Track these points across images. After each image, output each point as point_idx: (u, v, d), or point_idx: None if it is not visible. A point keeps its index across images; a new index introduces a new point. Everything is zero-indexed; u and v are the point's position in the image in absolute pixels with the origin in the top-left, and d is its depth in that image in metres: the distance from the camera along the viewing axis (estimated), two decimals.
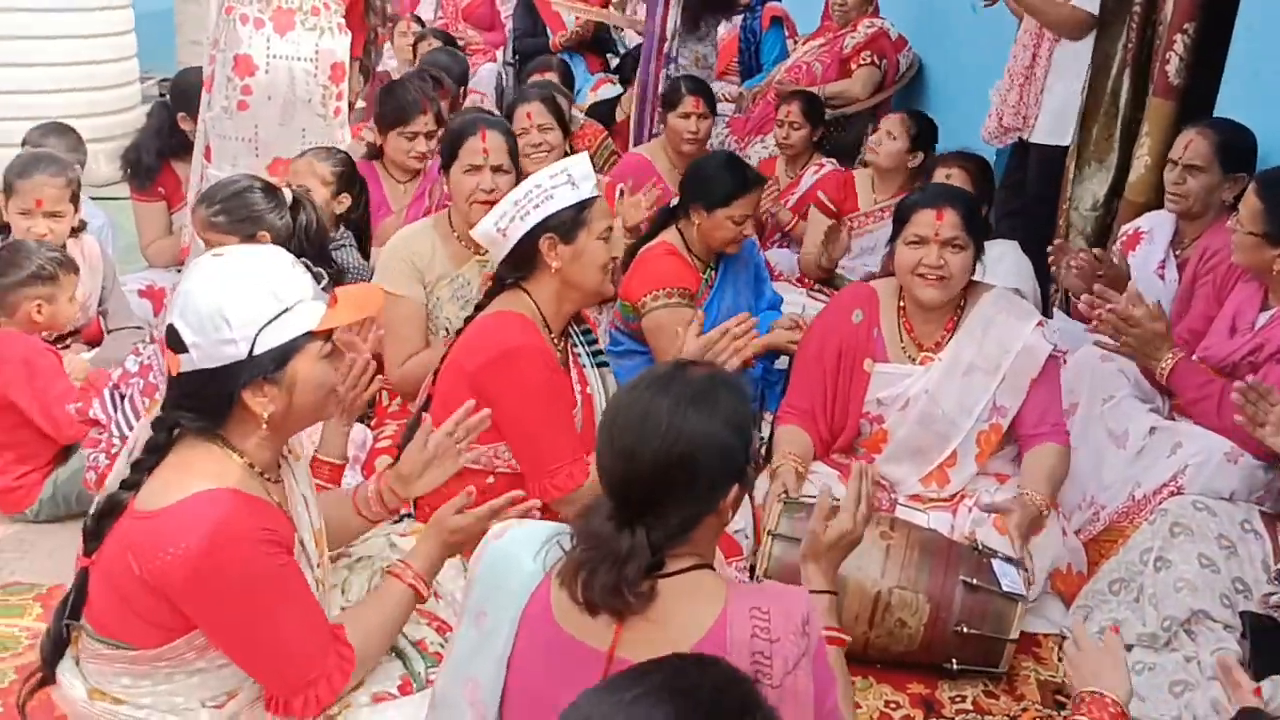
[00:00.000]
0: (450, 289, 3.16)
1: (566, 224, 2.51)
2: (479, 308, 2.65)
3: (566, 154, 4.02)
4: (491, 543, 1.71)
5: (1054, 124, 4.24)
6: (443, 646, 2.09)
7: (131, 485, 1.79)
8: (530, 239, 2.52)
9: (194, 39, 6.05)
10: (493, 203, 3.03)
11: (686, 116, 4.46)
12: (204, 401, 1.79)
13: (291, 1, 3.69)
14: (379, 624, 1.94)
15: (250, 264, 1.81)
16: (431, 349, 3.11)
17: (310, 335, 1.79)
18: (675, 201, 3.59)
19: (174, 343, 1.76)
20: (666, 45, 5.23)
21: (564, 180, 2.52)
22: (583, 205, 2.52)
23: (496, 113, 4.93)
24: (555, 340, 2.61)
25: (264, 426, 1.80)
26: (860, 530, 1.95)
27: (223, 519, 1.71)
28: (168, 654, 1.78)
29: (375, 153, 4.12)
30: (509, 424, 2.48)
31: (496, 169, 3.11)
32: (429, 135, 3.94)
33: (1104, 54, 4.32)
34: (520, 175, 3.06)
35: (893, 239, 2.94)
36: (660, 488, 1.54)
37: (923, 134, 4.41)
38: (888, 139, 4.42)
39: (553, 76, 5.12)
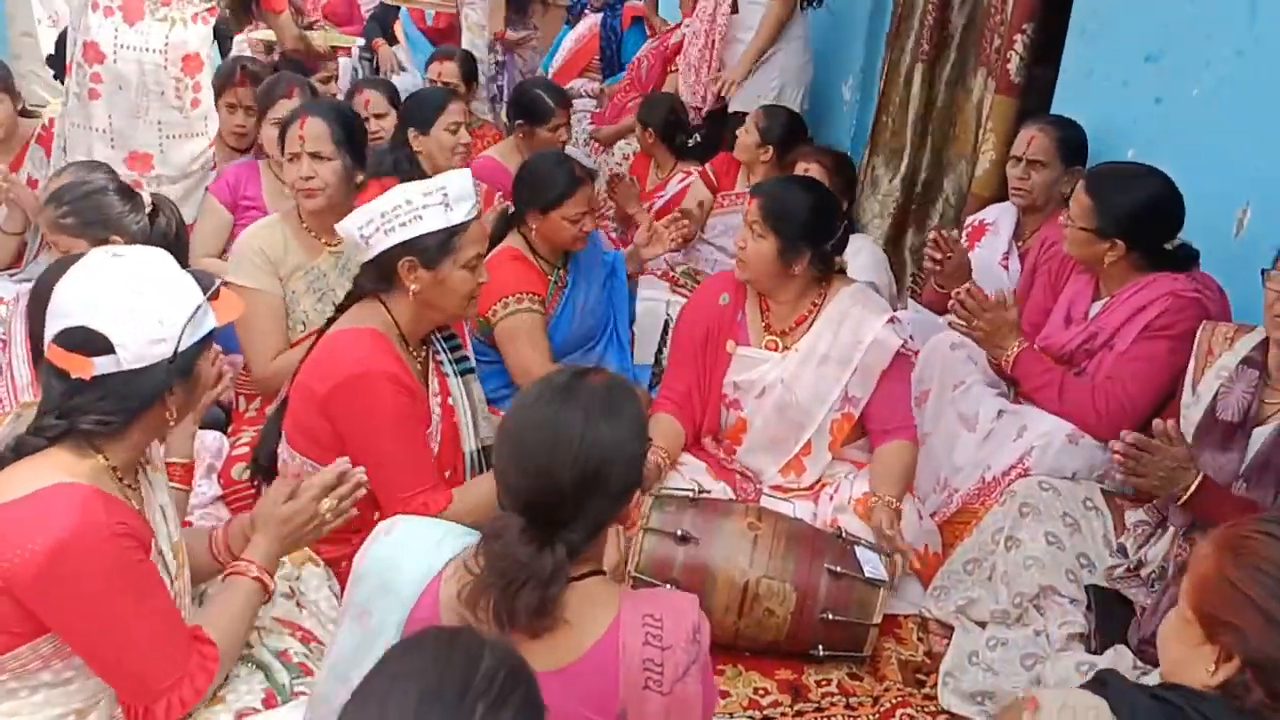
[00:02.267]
0: (305, 281, 3.09)
1: (431, 250, 2.39)
2: (339, 310, 2.57)
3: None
4: (379, 539, 1.69)
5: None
6: (308, 656, 2.05)
7: None
8: (391, 256, 2.40)
9: (25, 30, 5.73)
10: (312, 190, 3.02)
11: (556, 129, 4.45)
12: (124, 402, 1.74)
13: None
14: (233, 619, 1.91)
15: (150, 264, 1.80)
16: (298, 349, 3.02)
17: (208, 337, 1.82)
18: (511, 208, 3.53)
19: (86, 345, 1.70)
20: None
21: (438, 200, 2.38)
22: (453, 231, 2.40)
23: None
24: (414, 352, 2.54)
25: (172, 423, 1.83)
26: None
27: (78, 513, 1.65)
28: (10, 663, 1.69)
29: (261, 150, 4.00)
30: (358, 450, 2.34)
31: (315, 155, 3.03)
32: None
33: (895, 58, 4.60)
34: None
35: None
36: (576, 502, 1.55)
37: (773, 129, 4.43)
38: (743, 133, 4.49)
39: (453, 67, 4.98)
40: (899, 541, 2.73)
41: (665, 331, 3.76)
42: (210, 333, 1.83)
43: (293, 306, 3.09)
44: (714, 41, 5.01)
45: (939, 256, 3.36)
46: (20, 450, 1.74)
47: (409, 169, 3.74)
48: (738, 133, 4.57)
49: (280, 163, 3.51)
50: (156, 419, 1.81)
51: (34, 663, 1.71)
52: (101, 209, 2.73)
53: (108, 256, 1.80)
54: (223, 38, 4.13)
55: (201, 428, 3.02)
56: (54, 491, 1.67)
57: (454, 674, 1.14)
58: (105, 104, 3.59)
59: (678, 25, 5.83)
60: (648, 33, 6.52)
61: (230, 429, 3.16)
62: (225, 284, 2.94)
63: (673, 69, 5.61)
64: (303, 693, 1.94)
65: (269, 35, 4.74)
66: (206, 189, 3.77)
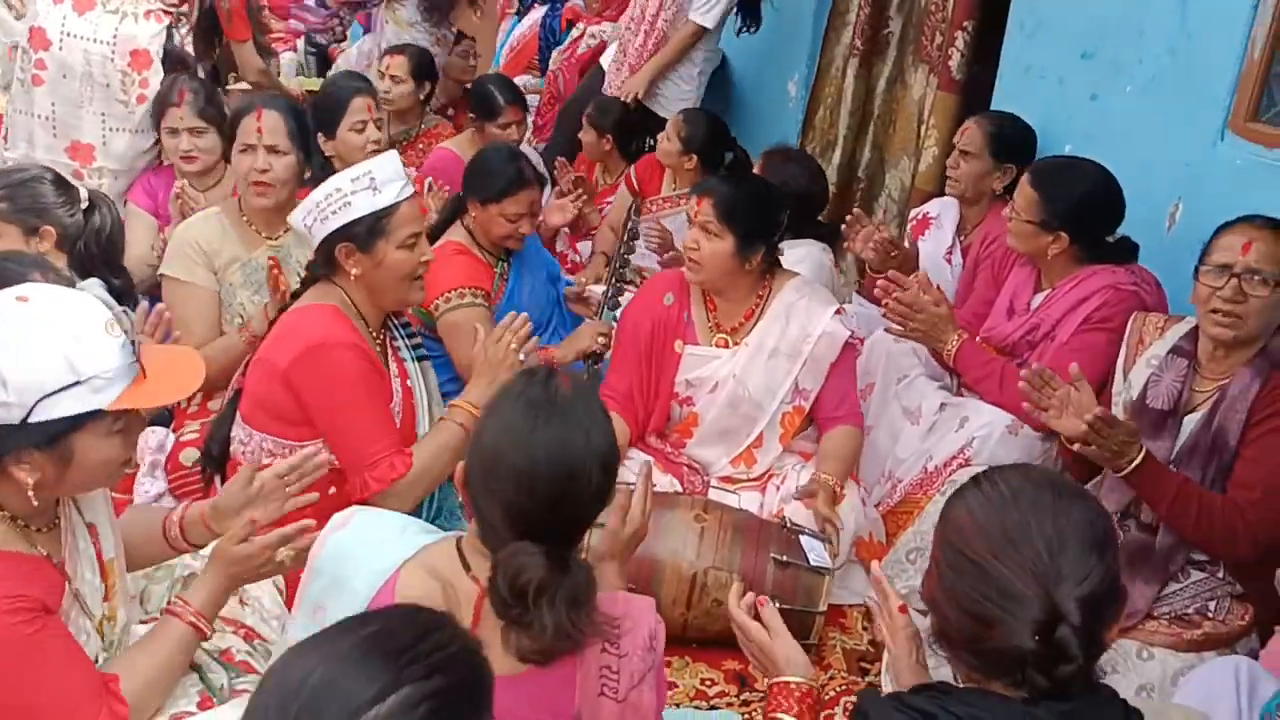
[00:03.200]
0: (242, 274, 3.05)
1: (363, 234, 2.41)
2: (295, 296, 2.57)
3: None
4: (334, 533, 1.67)
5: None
6: (251, 655, 2.02)
7: None
8: (329, 243, 2.44)
9: None
10: (266, 184, 3.01)
11: (507, 127, 4.44)
12: None
13: None
14: (156, 669, 1.80)
15: (55, 318, 1.61)
16: (226, 336, 3.01)
17: (100, 413, 1.62)
18: (457, 196, 3.52)
19: None
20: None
21: (365, 185, 2.40)
22: (383, 214, 2.41)
23: None
24: (374, 334, 2.54)
25: (30, 494, 1.62)
26: (645, 525, 1.97)
27: None
28: None
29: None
30: (323, 418, 2.41)
31: (271, 149, 3.01)
32: (193, 131, 3.50)
33: (829, 56, 4.68)
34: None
35: None
36: (590, 518, 1.58)
37: (695, 136, 4.31)
38: (664, 140, 4.42)
39: (402, 61, 4.91)
40: (825, 510, 2.77)
41: None
42: (98, 413, 1.61)
43: (229, 299, 3.05)
44: (654, 44, 5.00)
45: (880, 253, 3.41)
46: None
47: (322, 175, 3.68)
48: (659, 137, 4.51)
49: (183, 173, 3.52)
50: (8, 486, 1.63)
51: None
52: (37, 197, 2.68)
53: (11, 298, 1.62)
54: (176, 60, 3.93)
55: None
56: None
57: (401, 633, 1.11)
58: (48, 91, 3.55)
59: (581, 35, 5.81)
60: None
61: (173, 425, 3.11)
62: (161, 277, 3.02)
63: (589, 71, 5.58)
64: (244, 690, 1.90)
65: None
66: (125, 197, 3.67)
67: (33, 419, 1.57)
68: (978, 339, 3.10)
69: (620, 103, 4.99)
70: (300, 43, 6.71)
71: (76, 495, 1.80)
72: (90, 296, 1.69)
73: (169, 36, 3.73)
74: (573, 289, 3.80)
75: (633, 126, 4.96)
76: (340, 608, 1.56)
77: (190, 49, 3.96)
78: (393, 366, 2.59)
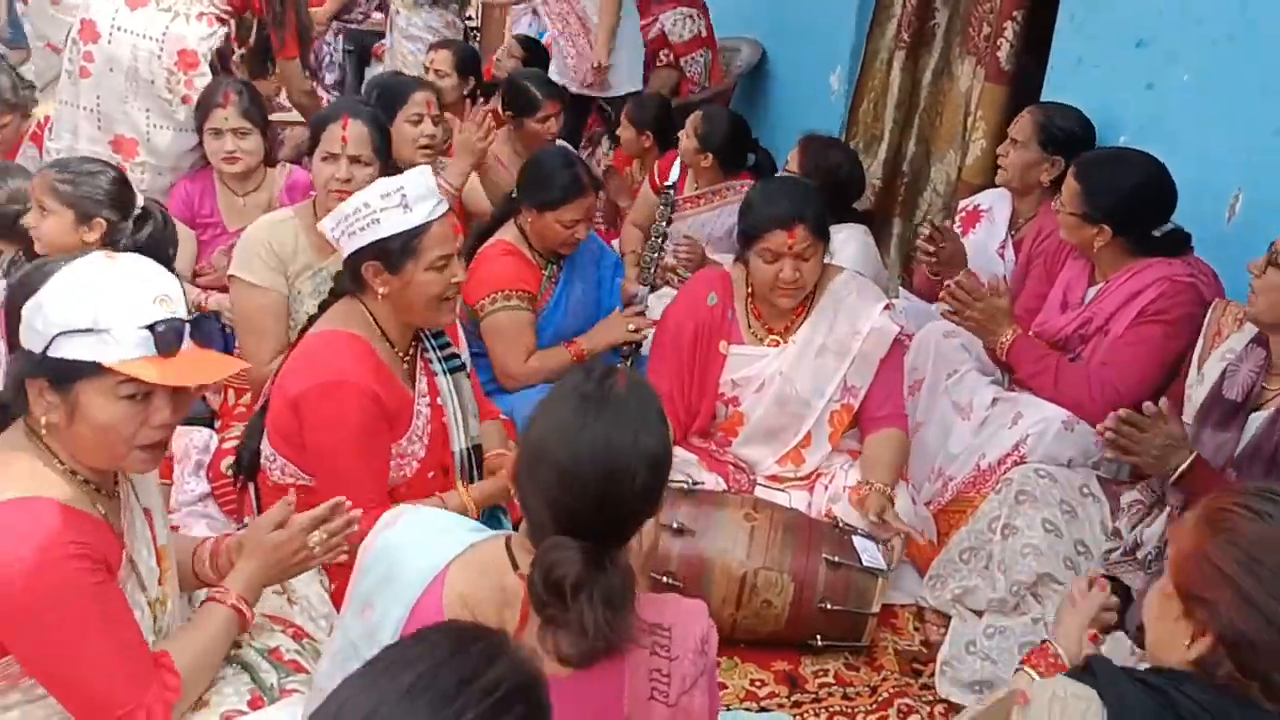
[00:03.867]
0: (312, 283, 3.01)
1: (392, 254, 2.31)
2: (323, 306, 2.52)
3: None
4: (383, 532, 1.65)
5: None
6: (300, 654, 2.01)
7: None
8: (356, 260, 2.36)
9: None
10: (347, 194, 2.93)
11: (545, 120, 4.39)
12: (13, 379, 1.69)
13: None
14: (201, 651, 1.81)
15: (119, 275, 1.68)
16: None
17: (100, 369, 1.63)
18: (509, 195, 3.47)
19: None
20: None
21: (395, 202, 2.29)
22: (414, 234, 2.30)
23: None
24: (400, 353, 2.47)
25: (43, 432, 1.68)
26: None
27: (30, 531, 1.59)
28: None
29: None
30: (316, 454, 2.35)
31: (354, 160, 2.99)
32: (237, 132, 3.50)
33: (873, 49, 4.62)
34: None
35: (742, 243, 2.93)
36: (638, 518, 1.55)
37: (712, 136, 4.22)
38: (684, 137, 4.35)
39: (447, 56, 4.92)
40: (897, 523, 2.70)
41: None
42: (98, 365, 1.62)
43: (296, 307, 3.01)
44: (581, 20, 5.11)
45: (932, 249, 3.35)
46: None
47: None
48: (679, 135, 4.41)
49: (234, 177, 3.54)
50: (33, 421, 1.69)
51: (0, 682, 1.65)
52: (98, 189, 2.75)
53: (98, 254, 1.74)
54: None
55: (189, 423, 3.00)
56: (11, 507, 1.61)
57: (457, 669, 1.08)
58: (94, 83, 3.55)
59: (652, 18, 5.72)
60: None
61: (218, 425, 3.11)
62: (230, 278, 3.01)
63: (657, 64, 5.54)
64: (293, 690, 1.89)
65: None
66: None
67: (50, 352, 1.62)
68: (1030, 333, 3.04)
69: (659, 99, 4.96)
70: (338, 41, 6.71)
71: (116, 468, 1.78)
72: (173, 277, 1.74)
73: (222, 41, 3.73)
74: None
75: (673, 124, 4.88)
76: (386, 606, 1.55)
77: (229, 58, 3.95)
78: (421, 383, 2.51)
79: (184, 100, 3.57)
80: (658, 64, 5.56)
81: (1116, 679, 1.53)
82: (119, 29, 3.51)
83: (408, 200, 2.30)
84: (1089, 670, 1.57)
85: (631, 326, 3.37)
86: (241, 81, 3.63)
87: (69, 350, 1.61)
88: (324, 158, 3.01)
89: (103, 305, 1.62)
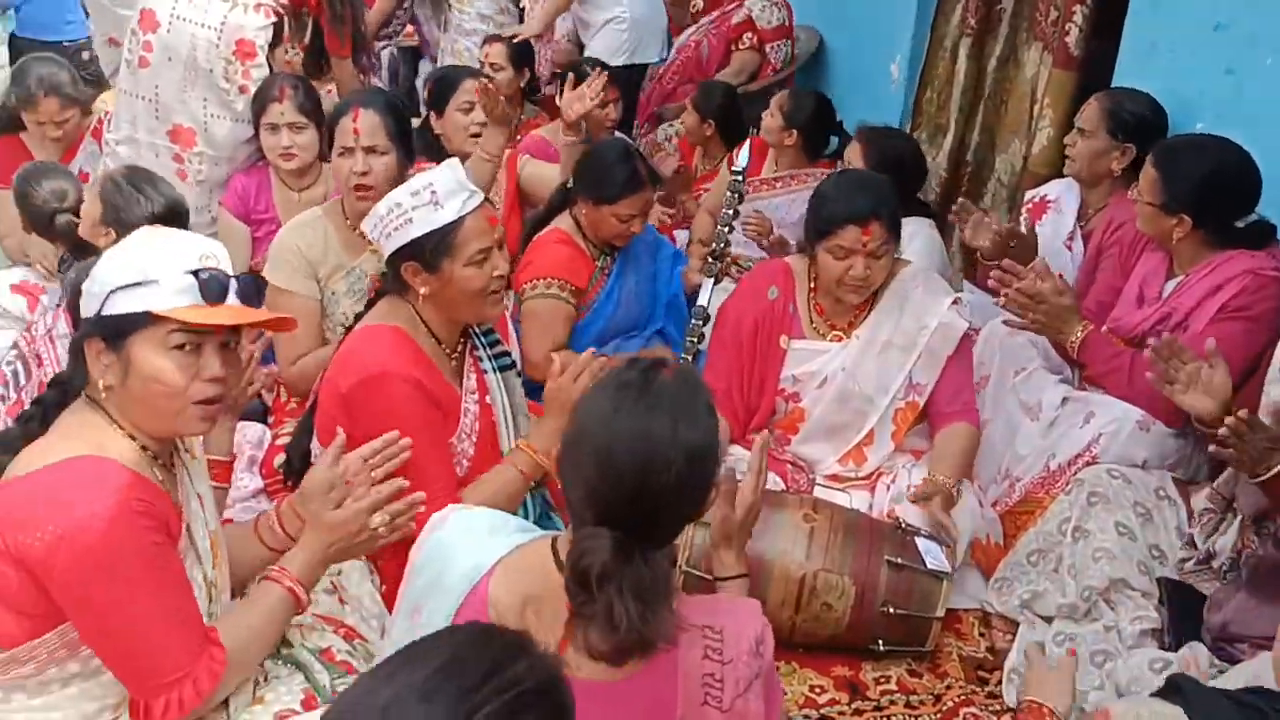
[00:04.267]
0: (346, 282, 3.00)
1: (428, 253, 2.28)
2: (369, 305, 2.50)
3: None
4: (434, 532, 1.63)
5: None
6: (351, 655, 1.99)
7: (12, 439, 1.71)
8: (395, 261, 2.33)
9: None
10: (366, 186, 2.93)
11: (605, 106, 4.32)
12: (74, 351, 1.75)
13: None
14: (255, 628, 1.82)
15: (160, 236, 1.77)
16: (327, 346, 2.95)
17: (152, 318, 1.67)
18: (564, 184, 3.44)
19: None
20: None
21: (426, 200, 2.26)
22: (445, 231, 2.26)
23: None
24: (449, 351, 2.43)
25: (103, 395, 1.71)
26: (759, 501, 1.87)
27: (95, 487, 1.60)
28: (39, 652, 1.63)
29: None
30: None
31: (369, 150, 2.95)
32: (293, 127, 3.47)
33: (938, 36, 4.50)
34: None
35: (812, 236, 2.84)
36: (673, 513, 1.50)
37: (797, 113, 4.26)
38: (768, 116, 4.36)
39: (501, 49, 4.88)
40: (941, 516, 2.62)
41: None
42: (149, 315, 1.67)
43: (332, 308, 3.00)
44: None
45: (997, 245, 3.22)
46: (43, 415, 1.74)
47: (434, 153, 3.66)
48: (763, 115, 4.39)
49: (289, 172, 3.53)
50: (93, 389, 1.73)
51: (61, 650, 1.64)
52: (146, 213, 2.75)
53: (148, 227, 1.85)
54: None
55: (243, 419, 2.99)
56: (78, 464, 1.63)
57: (478, 663, 1.06)
58: (153, 73, 3.55)
59: (736, 5, 5.66)
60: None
61: (272, 420, 3.10)
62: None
63: (737, 48, 5.48)
64: None
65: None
66: (219, 202, 3.67)
67: (105, 311, 1.68)
68: (1103, 329, 2.93)
69: (724, 86, 4.92)
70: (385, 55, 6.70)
71: (173, 430, 1.79)
72: (216, 244, 1.79)
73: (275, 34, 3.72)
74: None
75: (737, 112, 4.86)
76: (436, 608, 1.54)
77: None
78: (470, 381, 2.47)
79: (241, 90, 3.56)
80: (739, 47, 5.48)
81: (1205, 697, 1.45)
82: (178, 18, 3.50)
83: (438, 197, 2.27)
84: (1175, 689, 1.48)
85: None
86: (297, 77, 3.63)
87: (121, 305, 1.67)
88: (340, 152, 2.98)
89: (151, 259, 1.69)
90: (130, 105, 3.61)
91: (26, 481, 1.62)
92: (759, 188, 4.39)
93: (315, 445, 2.47)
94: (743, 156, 3.56)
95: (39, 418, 1.73)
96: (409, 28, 6.19)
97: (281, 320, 1.90)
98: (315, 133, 3.49)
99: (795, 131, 4.25)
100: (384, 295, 2.44)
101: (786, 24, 5.52)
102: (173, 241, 1.75)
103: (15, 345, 2.59)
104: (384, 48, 6.26)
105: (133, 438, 1.73)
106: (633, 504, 1.45)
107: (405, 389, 2.27)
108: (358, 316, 2.48)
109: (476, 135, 3.68)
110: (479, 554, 1.56)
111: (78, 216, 3.07)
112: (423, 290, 2.31)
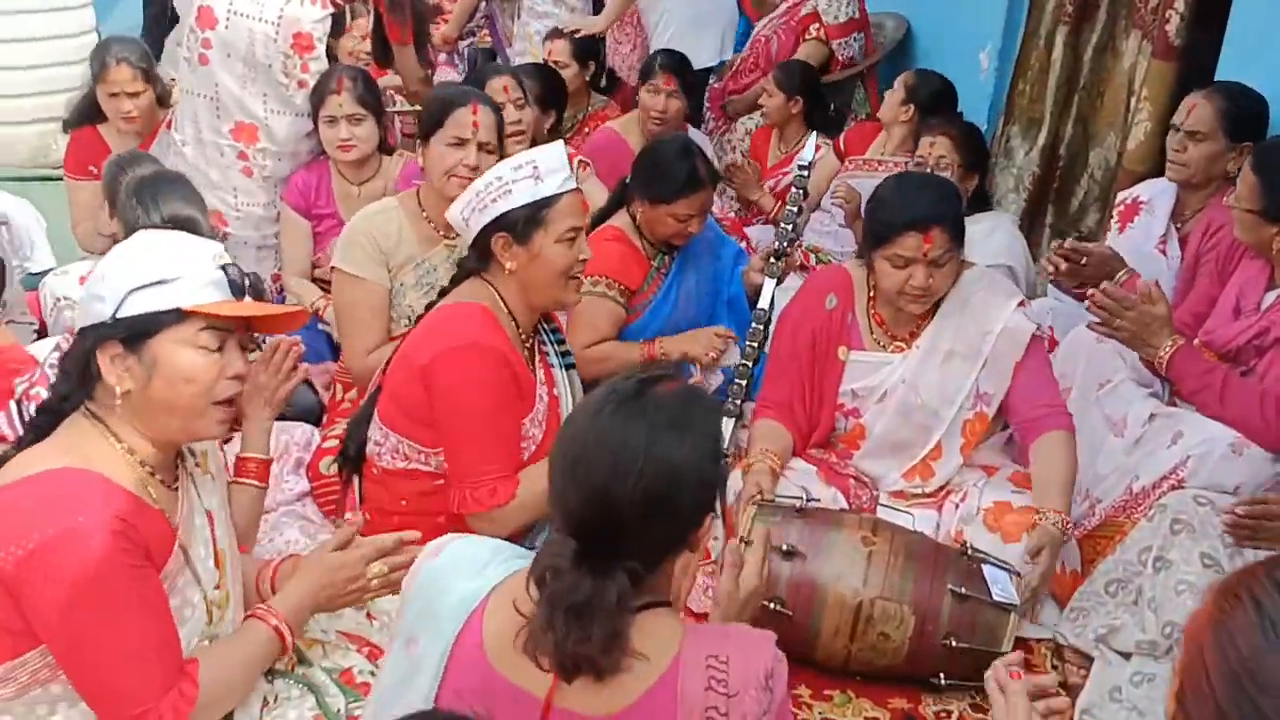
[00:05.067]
0: (415, 275, 2.95)
1: (520, 223, 2.31)
2: (443, 293, 2.49)
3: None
4: (427, 561, 1.56)
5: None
6: (374, 676, 1.91)
7: (20, 446, 1.67)
8: (485, 234, 2.35)
9: None
10: (471, 181, 2.86)
11: (656, 93, 4.30)
12: (73, 363, 1.68)
13: None
14: (233, 666, 1.73)
15: (164, 239, 1.74)
16: (395, 342, 2.90)
17: (180, 315, 1.64)
18: (623, 181, 3.34)
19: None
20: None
21: (528, 173, 2.31)
22: (543, 204, 2.31)
23: None
24: (524, 338, 2.43)
25: (118, 403, 1.64)
26: (763, 585, 1.73)
27: (72, 503, 1.55)
28: (19, 673, 1.58)
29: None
30: (447, 420, 2.31)
31: (482, 146, 2.91)
32: (351, 119, 3.44)
33: (1034, 24, 4.29)
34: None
35: (870, 244, 2.69)
36: (638, 529, 1.38)
37: (920, 90, 4.23)
38: (890, 93, 4.32)
39: (564, 45, 4.81)
40: (1040, 572, 2.43)
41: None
42: (178, 312, 1.64)
43: (398, 300, 2.95)
44: None
45: (1065, 268, 3.01)
46: (40, 410, 1.70)
47: None
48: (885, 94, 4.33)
49: (351, 166, 3.50)
50: (105, 391, 1.66)
51: (43, 670, 1.59)
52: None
53: (141, 233, 1.80)
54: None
55: (294, 418, 2.96)
56: (57, 478, 1.58)
57: None
58: (213, 70, 3.54)
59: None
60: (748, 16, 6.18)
61: (324, 420, 3.07)
62: (332, 270, 2.96)
63: (806, 38, 5.36)
64: (360, 716, 1.80)
65: (397, 81, 4.52)
66: (281, 197, 3.65)
67: (121, 313, 1.62)
68: (1196, 342, 2.73)
69: (806, 65, 4.84)
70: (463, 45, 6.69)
71: (192, 434, 1.75)
72: (218, 244, 1.78)
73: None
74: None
75: (821, 92, 4.80)
76: (430, 639, 1.47)
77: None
78: (539, 373, 2.47)
79: (300, 85, 3.54)
80: (806, 38, 5.35)
81: None
82: (235, 13, 3.49)
83: (540, 172, 2.32)
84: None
85: (714, 352, 3.17)
86: (355, 69, 3.60)
87: (143, 304, 1.62)
88: (451, 143, 2.91)
89: (169, 259, 1.66)
90: (191, 104, 3.61)
91: (5, 492, 1.57)
92: (860, 166, 4.32)
93: (375, 431, 2.46)
94: (808, 151, 3.43)
95: (47, 428, 1.68)
96: (483, 32, 6.18)
97: (294, 317, 1.89)
98: (374, 124, 3.47)
99: (913, 107, 4.19)
100: (465, 277, 2.44)
101: (856, 17, 5.38)
102: (182, 240, 1.74)
103: (57, 347, 2.56)
104: (467, 45, 6.27)
105: (131, 452, 1.67)
106: (593, 511, 1.38)
107: (491, 362, 2.28)
108: (428, 306, 2.49)
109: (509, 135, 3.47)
110: (472, 582, 1.48)
111: None
112: (509, 265, 2.34)
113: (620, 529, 1.37)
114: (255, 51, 3.50)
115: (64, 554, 1.51)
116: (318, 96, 3.46)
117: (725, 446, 2.74)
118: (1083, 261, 2.94)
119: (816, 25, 5.34)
